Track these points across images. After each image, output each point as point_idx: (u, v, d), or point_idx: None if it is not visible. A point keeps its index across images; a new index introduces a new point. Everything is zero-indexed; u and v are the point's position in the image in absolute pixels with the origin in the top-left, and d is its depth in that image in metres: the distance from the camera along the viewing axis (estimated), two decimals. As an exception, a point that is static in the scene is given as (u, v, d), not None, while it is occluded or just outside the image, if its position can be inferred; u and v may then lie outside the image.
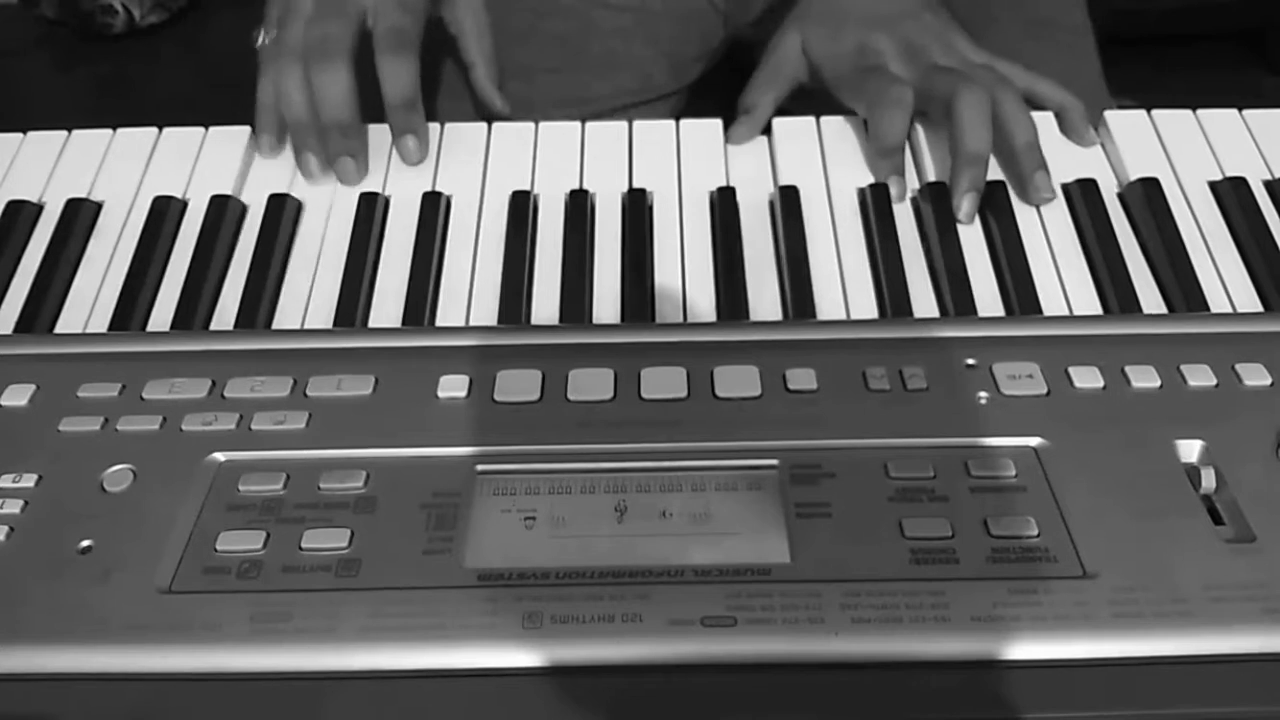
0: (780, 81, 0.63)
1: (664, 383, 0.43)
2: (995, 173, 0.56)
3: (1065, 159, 0.56)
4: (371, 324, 0.50)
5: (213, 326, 0.50)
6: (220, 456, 0.41)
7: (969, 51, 0.60)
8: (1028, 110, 0.56)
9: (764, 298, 0.50)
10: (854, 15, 0.61)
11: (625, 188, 0.56)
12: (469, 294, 0.51)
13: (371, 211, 0.54)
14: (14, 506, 0.39)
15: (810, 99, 0.81)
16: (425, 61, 0.59)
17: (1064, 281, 0.51)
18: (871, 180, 0.56)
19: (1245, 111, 0.59)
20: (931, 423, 0.41)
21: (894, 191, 0.55)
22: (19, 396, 0.43)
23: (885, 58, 0.59)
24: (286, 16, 0.58)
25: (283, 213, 0.54)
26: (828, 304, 0.50)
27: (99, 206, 0.56)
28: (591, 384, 0.43)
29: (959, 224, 0.53)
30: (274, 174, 0.57)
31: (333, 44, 0.56)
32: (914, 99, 0.56)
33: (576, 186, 0.56)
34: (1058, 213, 0.54)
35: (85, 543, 0.38)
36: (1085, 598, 0.35)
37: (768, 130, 0.60)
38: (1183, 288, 0.50)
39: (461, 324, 0.50)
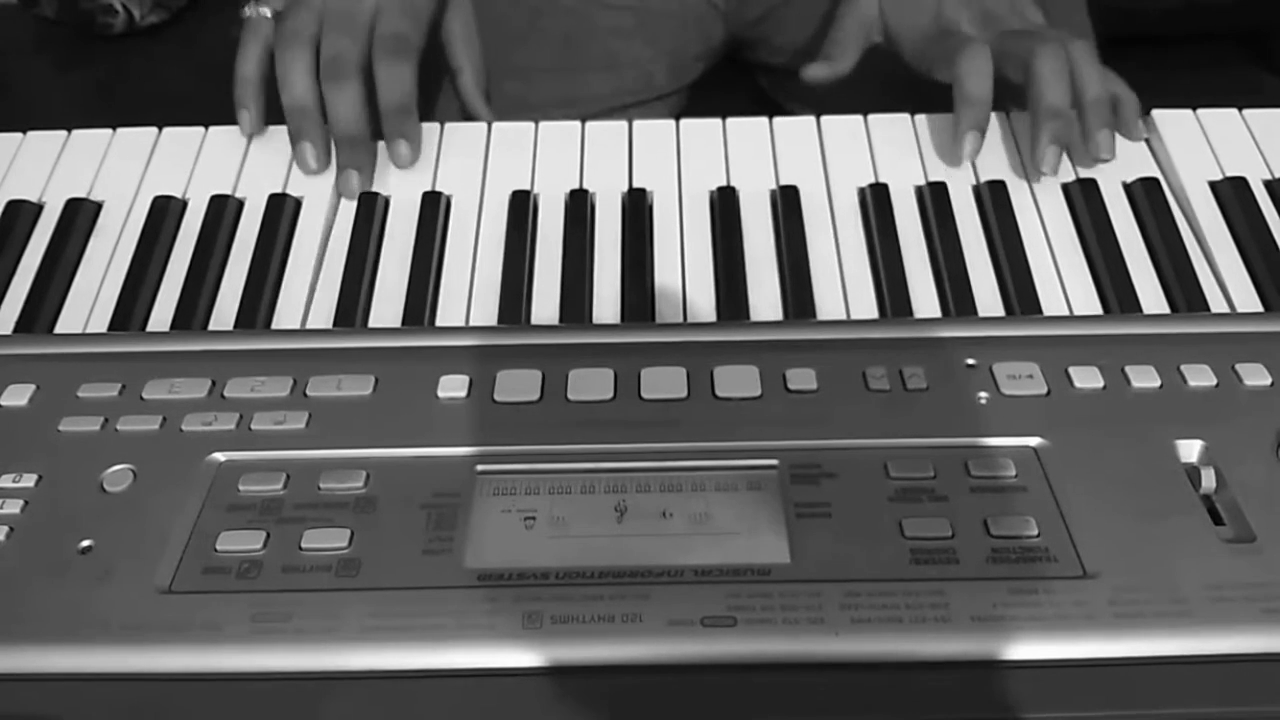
0: (861, 38, 0.65)
1: (664, 383, 0.43)
2: (995, 173, 0.56)
3: (1063, 161, 0.56)
4: (371, 324, 0.50)
5: (212, 326, 0.50)
6: (220, 456, 0.41)
7: (1040, 21, 0.62)
8: (1100, 67, 0.56)
9: (764, 298, 0.50)
10: None
11: (625, 188, 0.56)
12: (469, 294, 0.51)
13: (371, 211, 0.54)
14: (14, 506, 0.39)
15: (810, 99, 0.81)
16: (424, 63, 0.59)
17: (1064, 281, 0.51)
18: (872, 180, 0.56)
19: (1245, 111, 0.59)
20: (931, 423, 0.41)
21: (969, 148, 0.55)
22: (19, 396, 0.43)
23: (960, 28, 0.61)
24: (295, 6, 0.58)
25: (282, 212, 0.54)
26: (828, 304, 0.50)
27: (99, 206, 0.56)
28: (591, 384, 0.43)
29: (1043, 173, 0.54)
30: (273, 174, 0.57)
31: (343, 62, 0.56)
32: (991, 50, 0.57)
33: (576, 186, 0.56)
34: (1058, 212, 0.54)
35: (85, 543, 0.38)
36: (1085, 598, 0.35)
37: (768, 130, 0.59)
38: (1183, 287, 0.50)
39: (461, 324, 0.50)
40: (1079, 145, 0.56)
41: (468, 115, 0.67)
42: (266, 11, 0.59)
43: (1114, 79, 0.59)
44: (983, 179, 0.56)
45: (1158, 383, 0.42)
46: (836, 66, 0.64)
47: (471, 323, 0.50)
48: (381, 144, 0.57)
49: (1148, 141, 0.57)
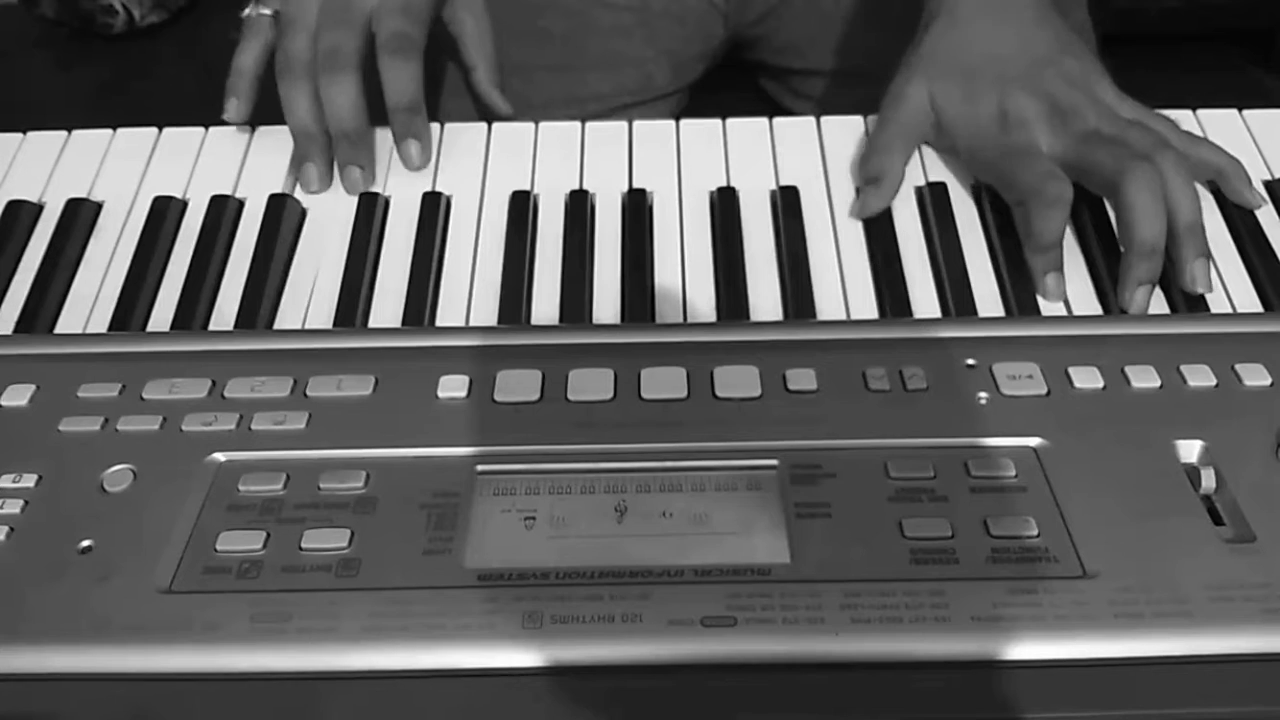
0: (909, 142, 0.56)
1: (664, 383, 0.43)
2: (995, 173, 0.56)
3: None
4: (371, 324, 0.50)
5: (212, 326, 0.50)
6: (220, 456, 0.41)
7: (1119, 105, 0.54)
8: (1192, 183, 0.50)
9: (764, 298, 0.50)
10: (988, 68, 0.54)
11: (625, 188, 0.56)
12: (469, 294, 0.51)
13: (371, 211, 0.54)
14: (14, 506, 0.39)
15: (812, 100, 0.81)
16: (427, 61, 0.59)
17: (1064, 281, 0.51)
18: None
19: (1245, 111, 0.59)
20: (931, 423, 0.41)
21: (1053, 288, 0.49)
22: (19, 396, 0.43)
23: (1030, 127, 0.53)
24: (291, 25, 0.58)
25: (283, 213, 0.54)
26: (828, 304, 0.50)
27: (99, 206, 0.56)
28: (591, 384, 0.43)
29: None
30: (273, 174, 0.57)
31: (341, 56, 0.56)
32: (1070, 185, 0.50)
33: (576, 186, 0.56)
34: (1058, 213, 0.54)
35: (85, 543, 0.38)
36: (1085, 598, 0.35)
37: (768, 130, 0.59)
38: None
39: (461, 324, 0.50)
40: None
41: (475, 113, 0.66)
42: (266, 11, 0.59)
43: (1210, 147, 0.54)
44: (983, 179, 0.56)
45: (1158, 383, 0.42)
46: (885, 188, 0.54)
47: (471, 323, 0.50)
48: (388, 142, 0.58)
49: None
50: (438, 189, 0.56)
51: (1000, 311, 0.49)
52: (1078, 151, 0.52)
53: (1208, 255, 0.49)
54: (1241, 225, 0.53)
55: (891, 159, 0.55)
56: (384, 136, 0.58)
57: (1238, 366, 0.43)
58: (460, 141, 0.59)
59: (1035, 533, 0.37)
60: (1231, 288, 0.50)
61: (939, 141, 0.57)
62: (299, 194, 0.56)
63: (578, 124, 0.60)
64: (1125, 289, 0.49)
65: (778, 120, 0.60)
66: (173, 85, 0.99)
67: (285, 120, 0.57)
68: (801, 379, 0.43)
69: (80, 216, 0.54)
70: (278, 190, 0.56)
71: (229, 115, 0.59)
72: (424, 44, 0.59)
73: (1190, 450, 0.40)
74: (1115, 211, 0.50)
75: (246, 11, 0.60)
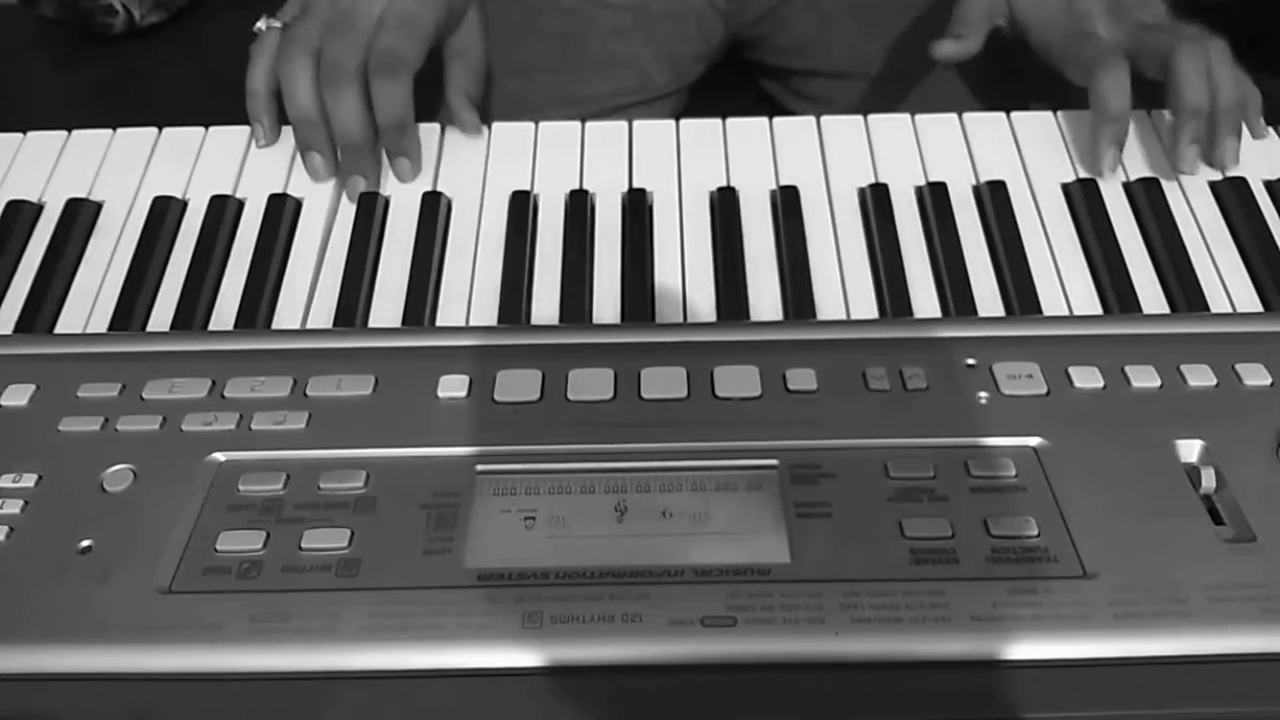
0: (987, 19, 0.63)
1: (664, 383, 0.43)
2: (995, 173, 0.56)
3: (1063, 161, 0.57)
4: (371, 324, 0.50)
5: (212, 326, 0.50)
6: (220, 456, 0.41)
7: (1164, 13, 0.61)
8: (1236, 70, 0.56)
9: (764, 298, 0.50)
10: None
11: (625, 188, 0.56)
12: (469, 294, 0.51)
13: (371, 211, 0.54)
14: (14, 506, 0.39)
15: (812, 100, 0.81)
16: (433, 64, 0.59)
17: (1064, 281, 0.51)
18: (872, 180, 0.56)
19: (1245, 111, 0.59)
20: (931, 423, 0.41)
21: (1109, 161, 0.55)
22: (19, 396, 0.43)
23: (1093, 17, 0.60)
24: (300, 16, 0.58)
25: (282, 212, 0.54)
26: (828, 304, 0.50)
27: (99, 206, 0.56)
28: (591, 384, 0.43)
29: (1182, 172, 0.55)
30: (273, 174, 0.57)
31: (341, 69, 0.56)
32: (1128, 63, 0.56)
33: (576, 186, 0.56)
34: (1058, 212, 0.54)
35: (85, 543, 0.38)
36: (1085, 598, 0.35)
37: (768, 130, 0.59)
38: (1183, 287, 0.50)
39: (461, 324, 0.50)
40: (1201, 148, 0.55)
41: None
42: (277, 24, 0.59)
43: (1243, 78, 0.58)
44: (983, 179, 0.56)
45: (1158, 383, 0.42)
46: (966, 46, 0.63)
47: (471, 323, 0.50)
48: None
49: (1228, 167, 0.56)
50: (438, 189, 0.56)
51: (1000, 311, 0.49)
52: (1133, 38, 0.58)
53: (1239, 135, 0.55)
54: (1241, 225, 0.53)
55: (973, 29, 0.63)
56: (384, 136, 0.58)
57: (1238, 366, 0.43)
58: (460, 141, 0.59)
59: (1035, 533, 0.37)
60: (1231, 288, 0.50)
61: (1011, 31, 0.64)
62: (299, 193, 0.56)
63: (578, 124, 0.59)
64: (1179, 148, 0.54)
65: (778, 120, 0.60)
66: (173, 85, 0.99)
67: (286, 107, 0.57)
68: (801, 379, 0.43)
69: (80, 216, 0.54)
70: (278, 190, 0.56)
71: (258, 142, 0.58)
72: (419, 61, 0.58)
73: (1190, 450, 0.40)
74: (1166, 85, 0.56)
75: (258, 25, 0.59)
